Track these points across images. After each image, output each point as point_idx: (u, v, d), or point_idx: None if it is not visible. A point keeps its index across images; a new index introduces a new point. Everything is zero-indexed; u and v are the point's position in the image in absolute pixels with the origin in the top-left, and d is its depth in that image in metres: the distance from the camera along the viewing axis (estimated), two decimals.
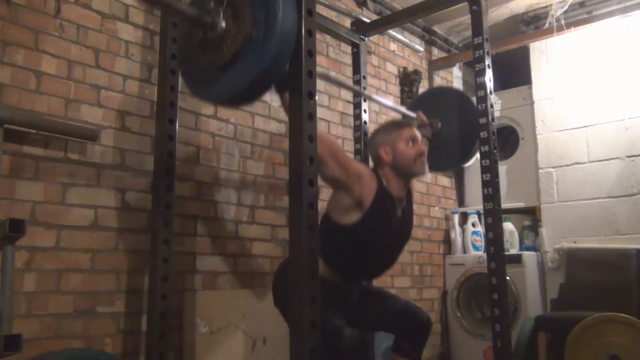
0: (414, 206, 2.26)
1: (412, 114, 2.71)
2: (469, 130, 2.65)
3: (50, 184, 1.97)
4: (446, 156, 2.76)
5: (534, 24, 4.07)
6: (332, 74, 3.19)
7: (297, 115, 1.47)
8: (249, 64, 1.46)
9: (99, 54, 2.17)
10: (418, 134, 2.16)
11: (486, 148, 2.42)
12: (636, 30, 3.56)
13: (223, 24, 1.53)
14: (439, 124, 2.73)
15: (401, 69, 3.84)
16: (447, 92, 2.90)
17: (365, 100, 2.86)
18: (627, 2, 3.64)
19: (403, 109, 2.77)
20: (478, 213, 3.94)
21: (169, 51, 2.23)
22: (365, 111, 2.85)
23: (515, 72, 4.22)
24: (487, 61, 2.46)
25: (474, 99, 2.57)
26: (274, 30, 1.41)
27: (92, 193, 2.08)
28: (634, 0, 3.60)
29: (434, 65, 4.16)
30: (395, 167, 2.06)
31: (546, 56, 3.91)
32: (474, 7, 2.53)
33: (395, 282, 3.51)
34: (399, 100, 3.75)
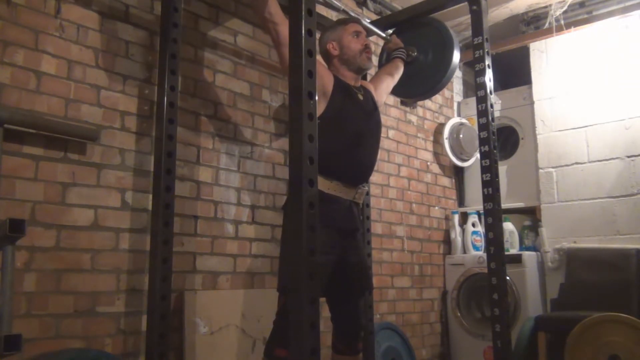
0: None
1: (388, 37, 2.79)
2: (440, 64, 2.71)
3: (50, 184, 1.97)
4: (416, 85, 2.81)
5: (534, 24, 4.07)
6: None
7: (297, 115, 1.47)
8: None
9: (99, 54, 2.17)
10: (362, 29, 2.31)
11: (486, 148, 2.42)
12: (636, 30, 3.56)
13: None
14: (415, 52, 2.77)
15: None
16: (430, 24, 2.91)
17: None
18: (627, 2, 3.64)
19: (379, 31, 2.79)
20: (478, 213, 3.94)
21: (169, 51, 2.23)
22: None
23: (515, 72, 4.22)
24: (487, 61, 2.46)
25: (455, 38, 2.73)
26: None
27: (92, 193, 2.08)
28: (634, 0, 3.60)
29: None
30: (343, 59, 2.22)
31: (546, 56, 3.91)
32: (474, 7, 2.53)
33: (395, 282, 3.51)
34: (398, 101, 3.75)
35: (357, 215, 2.15)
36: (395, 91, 2.77)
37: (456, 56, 2.71)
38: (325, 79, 2.05)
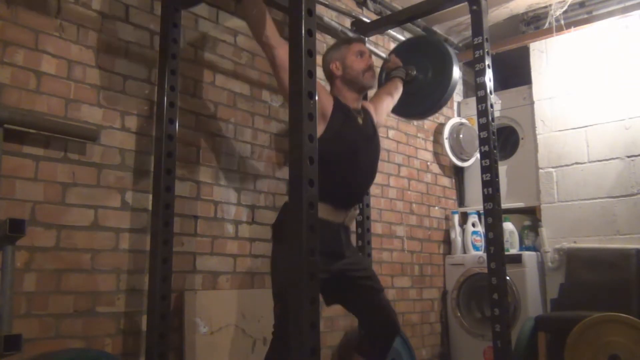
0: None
1: (387, 57, 2.77)
2: (440, 82, 2.70)
3: (50, 184, 1.97)
4: (416, 104, 2.79)
5: (534, 24, 4.07)
6: None
7: (297, 115, 1.47)
8: None
9: (99, 54, 2.17)
10: (366, 48, 2.28)
11: (486, 148, 2.42)
12: (636, 30, 3.56)
13: None
14: (414, 71, 2.75)
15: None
16: (429, 42, 2.89)
17: None
18: (627, 2, 3.64)
19: (378, 51, 2.78)
20: (478, 213, 3.94)
21: (169, 51, 2.23)
22: None
23: (515, 72, 4.22)
24: (487, 61, 2.46)
25: (453, 55, 2.71)
26: None
27: (92, 193, 2.08)
28: (634, 0, 3.60)
29: None
30: (346, 79, 2.18)
31: (546, 56, 3.91)
32: (474, 7, 2.53)
33: (395, 282, 3.51)
34: None
35: (347, 239, 2.12)
36: (396, 111, 2.74)
37: (456, 73, 2.70)
38: (324, 101, 2.02)
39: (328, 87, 2.27)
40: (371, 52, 2.64)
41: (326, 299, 2.17)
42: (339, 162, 2.01)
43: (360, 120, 2.16)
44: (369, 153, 2.18)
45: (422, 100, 2.77)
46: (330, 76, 2.24)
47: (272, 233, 2.12)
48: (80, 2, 2.14)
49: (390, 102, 2.57)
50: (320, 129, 1.93)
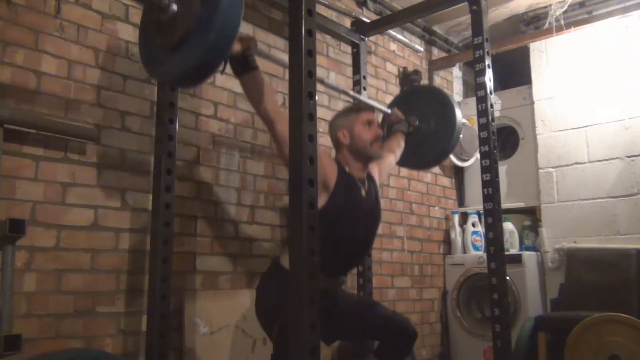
0: (380, 192, 2.29)
1: (388, 110, 2.73)
2: (443, 129, 2.68)
3: (50, 184, 1.97)
4: (423, 154, 2.77)
5: (534, 24, 4.07)
6: (332, 74, 3.20)
7: (297, 115, 1.47)
8: (196, 44, 1.56)
9: (99, 54, 2.17)
10: (375, 117, 2.23)
11: (486, 148, 2.42)
12: (636, 30, 3.56)
13: (174, 7, 1.64)
14: (417, 121, 2.72)
15: (401, 69, 3.84)
16: (428, 91, 2.88)
17: None
18: (627, 2, 3.64)
19: (380, 106, 2.75)
20: (478, 213, 3.94)
21: None
22: None
23: (515, 72, 4.22)
24: (487, 61, 2.47)
25: (453, 100, 2.69)
26: (219, 7, 1.50)
27: (92, 193, 2.08)
28: (634, 0, 3.60)
29: (434, 65, 4.17)
30: (353, 149, 2.13)
31: (546, 56, 3.91)
32: (474, 7, 2.53)
33: (395, 282, 3.51)
34: None
35: (335, 300, 2.08)
36: (403, 163, 2.73)
37: (459, 114, 2.70)
38: (328, 170, 1.96)
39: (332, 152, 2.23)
40: (374, 109, 2.57)
41: (324, 338, 2.14)
42: (336, 236, 1.94)
43: (363, 192, 2.11)
44: (368, 227, 2.15)
45: (430, 149, 2.74)
46: (337, 144, 2.18)
47: (256, 293, 2.07)
48: (80, 2, 2.14)
49: (392, 159, 2.55)
50: (321, 200, 1.82)
